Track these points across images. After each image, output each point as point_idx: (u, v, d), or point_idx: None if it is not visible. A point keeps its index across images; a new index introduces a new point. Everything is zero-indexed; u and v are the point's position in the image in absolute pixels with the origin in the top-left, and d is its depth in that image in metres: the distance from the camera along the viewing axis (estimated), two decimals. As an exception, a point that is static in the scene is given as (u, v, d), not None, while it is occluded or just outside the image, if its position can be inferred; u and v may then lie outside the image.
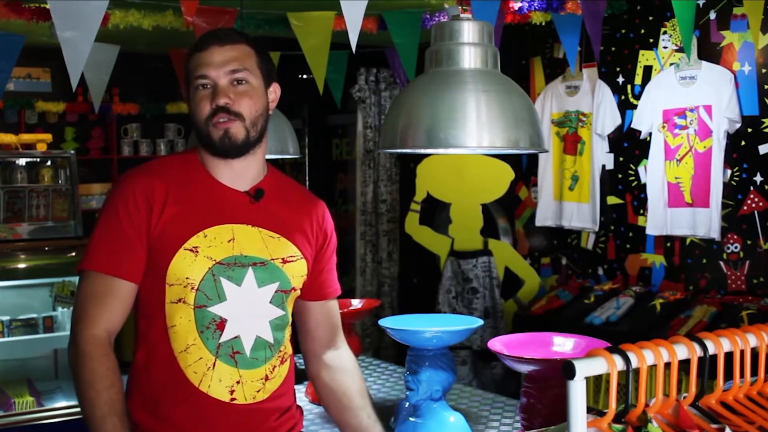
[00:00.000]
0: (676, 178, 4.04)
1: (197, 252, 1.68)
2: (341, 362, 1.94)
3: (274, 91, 1.80)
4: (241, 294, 1.70)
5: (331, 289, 1.94)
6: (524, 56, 4.95)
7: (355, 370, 1.96)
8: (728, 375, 1.42)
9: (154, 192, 1.69)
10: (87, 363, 1.63)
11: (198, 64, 1.71)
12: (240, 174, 1.77)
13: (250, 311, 1.72)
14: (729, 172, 3.88)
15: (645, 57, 4.26)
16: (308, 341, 1.95)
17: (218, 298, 1.68)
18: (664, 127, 4.08)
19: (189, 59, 1.75)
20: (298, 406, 1.87)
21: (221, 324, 1.69)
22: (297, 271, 1.79)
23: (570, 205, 4.60)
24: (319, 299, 1.91)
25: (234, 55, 1.72)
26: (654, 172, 4.15)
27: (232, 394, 1.69)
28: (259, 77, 1.75)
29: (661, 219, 4.10)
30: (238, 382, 1.70)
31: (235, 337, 1.70)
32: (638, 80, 4.30)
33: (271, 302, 1.75)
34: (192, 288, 1.67)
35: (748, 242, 3.84)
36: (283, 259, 1.76)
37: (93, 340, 1.65)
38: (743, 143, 3.83)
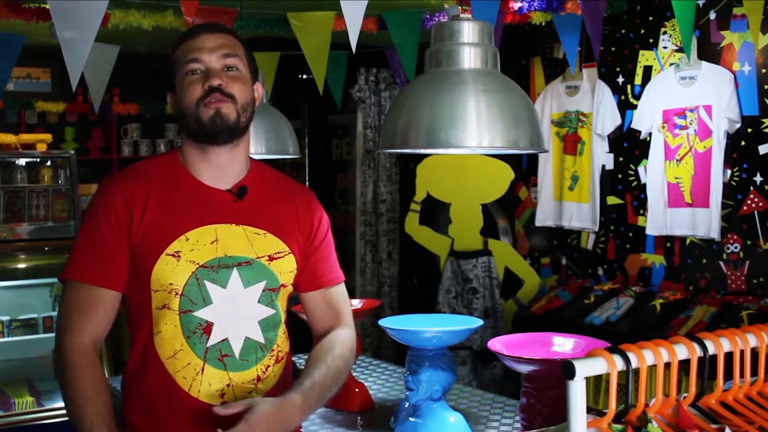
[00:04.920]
0: (676, 178, 4.04)
1: (179, 257, 1.66)
2: (328, 340, 1.83)
3: (257, 90, 1.80)
4: (226, 296, 1.69)
5: (327, 277, 1.88)
6: (524, 56, 4.95)
7: (333, 347, 1.80)
8: (728, 375, 1.42)
9: (134, 198, 1.68)
10: (74, 372, 1.63)
11: (189, 50, 1.71)
12: (222, 171, 1.75)
13: (238, 313, 1.70)
14: (729, 172, 3.88)
15: (645, 57, 4.26)
16: (312, 329, 1.92)
17: (203, 302, 1.67)
18: (664, 127, 4.08)
19: (176, 49, 1.74)
20: None
21: (207, 328, 1.67)
22: (285, 268, 1.77)
23: (570, 205, 4.60)
24: (315, 288, 1.87)
25: (225, 42, 1.73)
26: (654, 172, 4.15)
27: (222, 397, 1.68)
28: (246, 69, 1.75)
29: (661, 219, 4.10)
30: (228, 385, 1.69)
31: (223, 340, 1.69)
32: (638, 80, 4.30)
33: (259, 302, 1.73)
34: (176, 293, 1.66)
35: (748, 242, 3.84)
36: (269, 256, 1.74)
37: (78, 350, 1.64)
38: (743, 143, 3.83)
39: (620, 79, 4.38)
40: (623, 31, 4.36)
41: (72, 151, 4.48)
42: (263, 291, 1.73)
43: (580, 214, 4.55)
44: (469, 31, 1.88)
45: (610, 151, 4.46)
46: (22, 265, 4.07)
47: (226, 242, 1.70)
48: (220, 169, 1.75)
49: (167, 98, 1.78)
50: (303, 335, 2.13)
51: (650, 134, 4.16)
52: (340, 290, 1.91)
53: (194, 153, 1.74)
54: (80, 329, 1.65)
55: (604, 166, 4.49)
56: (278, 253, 1.76)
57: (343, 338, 1.85)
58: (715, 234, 3.88)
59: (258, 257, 1.73)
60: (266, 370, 1.74)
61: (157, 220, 1.68)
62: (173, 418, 1.68)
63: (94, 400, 1.61)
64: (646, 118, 4.17)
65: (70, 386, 1.63)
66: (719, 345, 1.40)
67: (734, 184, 3.87)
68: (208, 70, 1.69)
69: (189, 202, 1.71)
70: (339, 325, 1.88)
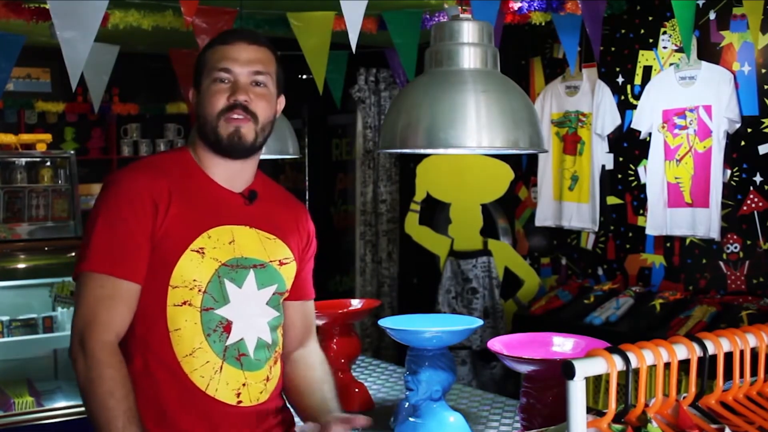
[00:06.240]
0: (676, 178, 4.04)
1: (203, 253, 1.65)
2: (307, 359, 1.91)
3: (280, 103, 1.80)
4: (242, 296, 1.69)
5: (309, 289, 1.93)
6: (524, 56, 4.95)
7: (321, 366, 1.91)
8: (728, 375, 1.42)
9: (158, 190, 1.65)
10: (105, 371, 1.57)
11: (222, 57, 1.69)
12: (236, 175, 1.76)
13: (251, 313, 1.71)
14: (729, 172, 3.88)
15: (645, 57, 4.26)
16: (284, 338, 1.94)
17: (223, 300, 1.67)
18: (663, 127, 4.08)
19: (208, 50, 1.73)
20: (287, 407, 1.88)
21: (228, 326, 1.67)
22: (290, 273, 1.79)
23: (570, 205, 4.60)
24: (297, 299, 1.90)
25: (260, 57, 1.72)
26: (654, 172, 4.15)
27: (238, 396, 1.68)
28: (275, 86, 1.75)
29: (660, 219, 4.10)
30: (244, 385, 1.69)
31: (240, 340, 1.69)
32: (638, 80, 4.30)
33: (268, 304, 1.74)
34: (199, 290, 1.65)
35: (748, 242, 3.84)
36: (279, 261, 1.76)
37: (107, 347, 1.59)
38: (743, 143, 3.83)
39: (620, 79, 4.38)
40: (623, 31, 4.36)
41: (72, 151, 4.48)
42: (273, 294, 1.75)
43: (580, 214, 4.55)
44: (469, 31, 1.89)
45: (610, 151, 4.46)
46: (22, 265, 4.06)
47: (242, 243, 1.71)
48: (233, 173, 1.76)
49: (189, 93, 1.77)
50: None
51: (650, 134, 4.16)
52: (312, 305, 1.97)
53: (208, 156, 1.74)
54: (107, 325, 1.60)
55: (603, 166, 4.49)
56: (286, 258, 1.78)
57: (321, 357, 1.93)
58: (714, 234, 3.88)
59: (270, 261, 1.75)
60: (271, 370, 1.75)
61: (181, 215, 1.66)
62: (187, 418, 1.66)
63: (125, 399, 1.57)
64: (645, 118, 4.17)
65: (100, 386, 1.57)
66: (719, 345, 1.40)
67: (734, 184, 3.87)
68: (236, 83, 1.68)
69: (207, 200, 1.71)
70: (308, 339, 1.94)
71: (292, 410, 1.87)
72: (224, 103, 1.68)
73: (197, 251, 1.65)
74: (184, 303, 1.65)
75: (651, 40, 4.22)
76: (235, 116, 1.68)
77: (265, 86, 1.72)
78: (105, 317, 1.61)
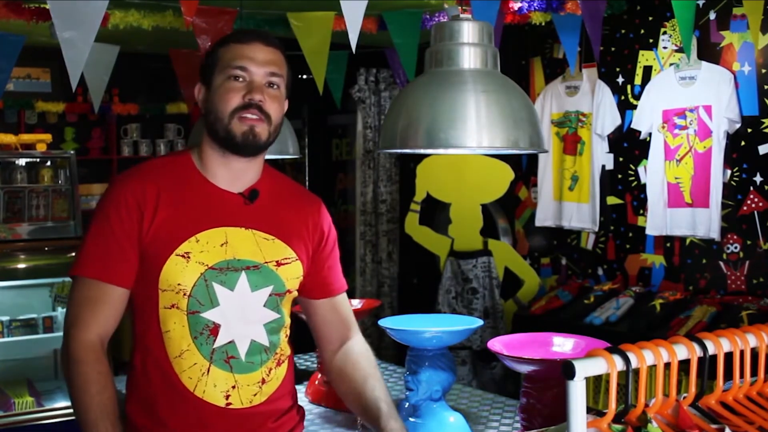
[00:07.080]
0: (676, 178, 4.04)
1: (189, 258, 1.66)
2: (351, 354, 1.90)
3: (285, 106, 1.81)
4: (234, 299, 1.69)
5: (335, 285, 1.91)
6: (524, 56, 4.95)
7: (365, 358, 1.90)
8: (728, 375, 1.42)
9: (145, 196, 1.67)
10: (79, 368, 1.63)
11: (238, 55, 1.70)
12: (237, 176, 1.75)
13: (244, 316, 1.71)
14: (729, 172, 3.88)
15: (645, 57, 4.26)
16: (319, 338, 1.94)
17: (211, 303, 1.67)
18: (663, 127, 4.08)
19: (221, 47, 1.73)
20: (300, 408, 1.86)
21: (215, 329, 1.68)
22: (292, 274, 1.77)
23: (570, 206, 4.60)
24: (324, 296, 1.90)
25: (275, 59, 1.74)
26: (654, 173, 4.15)
27: (227, 399, 1.69)
28: (285, 89, 1.77)
29: (660, 219, 4.10)
30: (233, 387, 1.69)
31: (229, 342, 1.69)
32: (638, 80, 4.30)
33: (265, 306, 1.73)
34: (184, 294, 1.66)
35: (748, 242, 3.84)
36: (277, 261, 1.75)
37: (85, 345, 1.64)
38: (743, 143, 3.83)
39: (620, 79, 4.38)
40: (623, 31, 4.36)
41: (72, 151, 4.49)
42: (270, 296, 1.74)
43: (580, 214, 4.55)
44: (469, 31, 1.88)
45: (610, 151, 4.46)
46: (22, 265, 4.07)
47: (236, 245, 1.71)
48: (236, 173, 1.75)
49: (195, 89, 1.77)
50: (303, 336, 2.13)
51: (650, 134, 4.16)
52: (345, 297, 1.96)
53: (213, 155, 1.74)
54: (87, 325, 1.65)
55: (604, 166, 4.49)
56: (285, 258, 1.76)
57: (364, 350, 1.91)
58: (715, 234, 3.88)
59: (266, 262, 1.73)
60: (270, 372, 1.75)
61: (168, 220, 1.68)
62: (177, 417, 1.68)
63: (98, 395, 1.62)
64: (645, 118, 4.17)
65: (75, 382, 1.63)
66: (719, 345, 1.40)
67: (734, 184, 3.87)
68: (252, 83, 1.69)
69: (200, 204, 1.72)
70: (349, 333, 1.93)
71: (298, 414, 1.86)
72: (239, 101, 1.68)
73: (182, 256, 1.66)
74: (172, 306, 1.68)
75: (651, 40, 4.22)
76: (250, 116, 1.68)
77: (278, 88, 1.73)
78: (86, 318, 1.66)
